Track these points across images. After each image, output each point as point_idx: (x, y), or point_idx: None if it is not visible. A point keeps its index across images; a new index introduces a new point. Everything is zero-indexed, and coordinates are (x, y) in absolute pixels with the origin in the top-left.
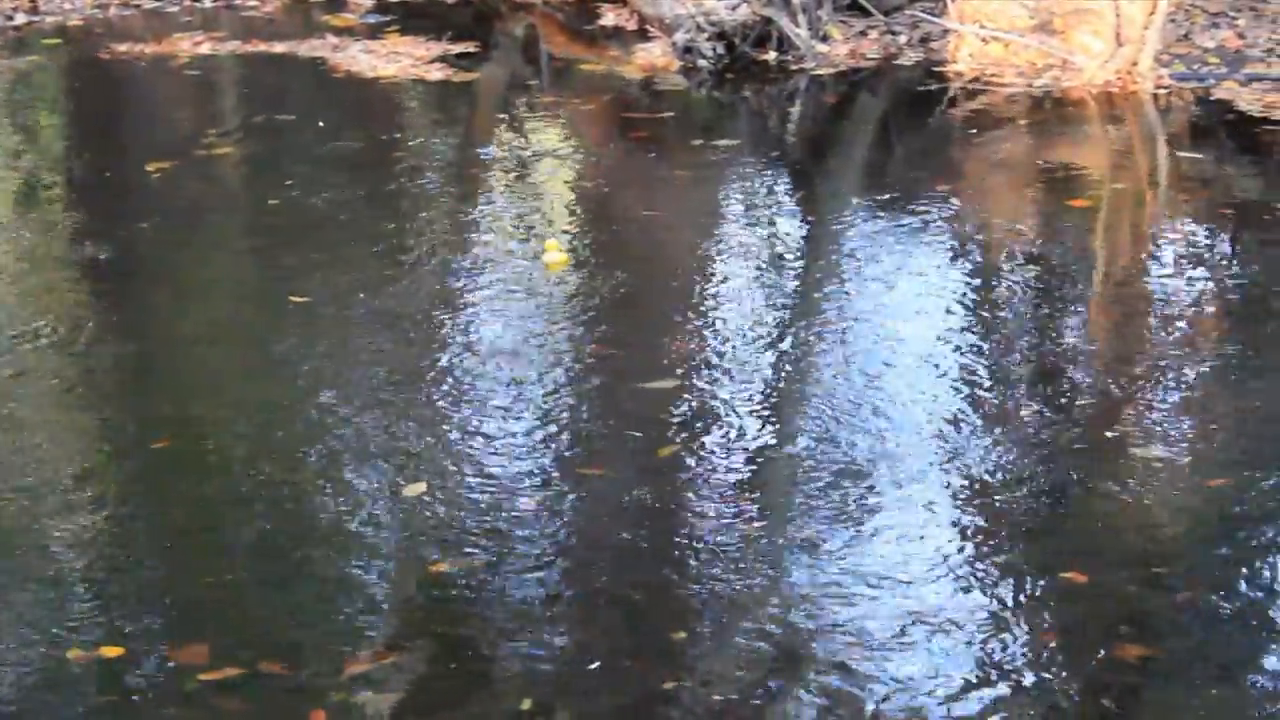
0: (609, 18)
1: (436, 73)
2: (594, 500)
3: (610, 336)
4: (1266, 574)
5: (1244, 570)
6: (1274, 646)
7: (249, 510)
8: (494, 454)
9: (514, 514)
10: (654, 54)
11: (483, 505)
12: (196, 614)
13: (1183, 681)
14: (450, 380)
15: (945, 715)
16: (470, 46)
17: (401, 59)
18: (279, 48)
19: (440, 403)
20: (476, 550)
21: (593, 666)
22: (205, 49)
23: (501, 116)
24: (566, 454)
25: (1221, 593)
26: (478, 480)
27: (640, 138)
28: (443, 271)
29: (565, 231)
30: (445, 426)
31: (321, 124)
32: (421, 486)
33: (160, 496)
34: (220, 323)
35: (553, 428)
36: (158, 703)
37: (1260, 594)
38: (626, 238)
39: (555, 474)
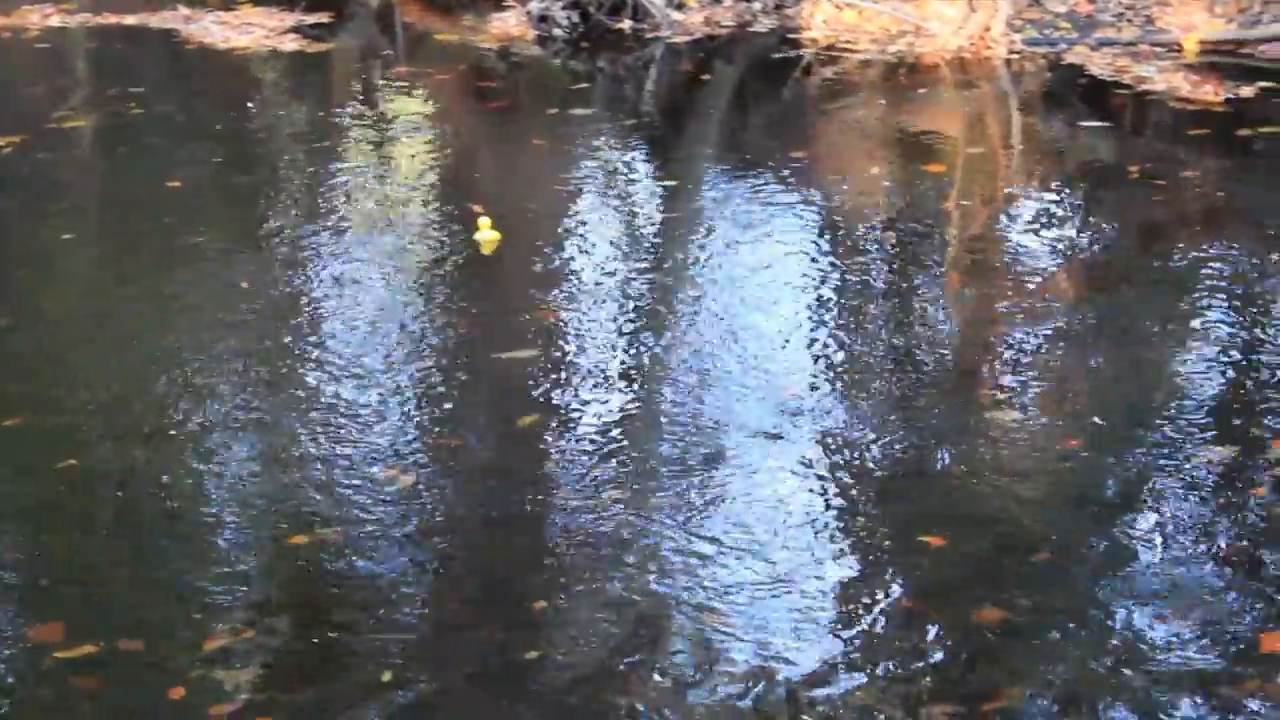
0: None
1: (290, 44)
2: (454, 470)
3: (469, 306)
4: (1120, 533)
5: (1098, 530)
6: (1128, 604)
7: (104, 487)
8: (352, 425)
9: (373, 485)
10: (509, 23)
11: (341, 477)
12: (52, 591)
13: (1040, 641)
14: (308, 352)
15: (805, 679)
16: (324, 17)
17: (255, 30)
18: (130, 20)
19: (298, 374)
20: (335, 523)
21: (453, 637)
22: (55, 21)
23: (357, 87)
24: (426, 424)
25: (1077, 553)
26: (336, 452)
27: (497, 107)
28: (300, 242)
29: (424, 202)
30: (303, 398)
31: (176, 96)
32: (279, 460)
33: (13, 473)
34: (73, 298)
35: (411, 398)
36: (13, 682)
37: (1114, 553)
38: (484, 207)
39: (415, 445)
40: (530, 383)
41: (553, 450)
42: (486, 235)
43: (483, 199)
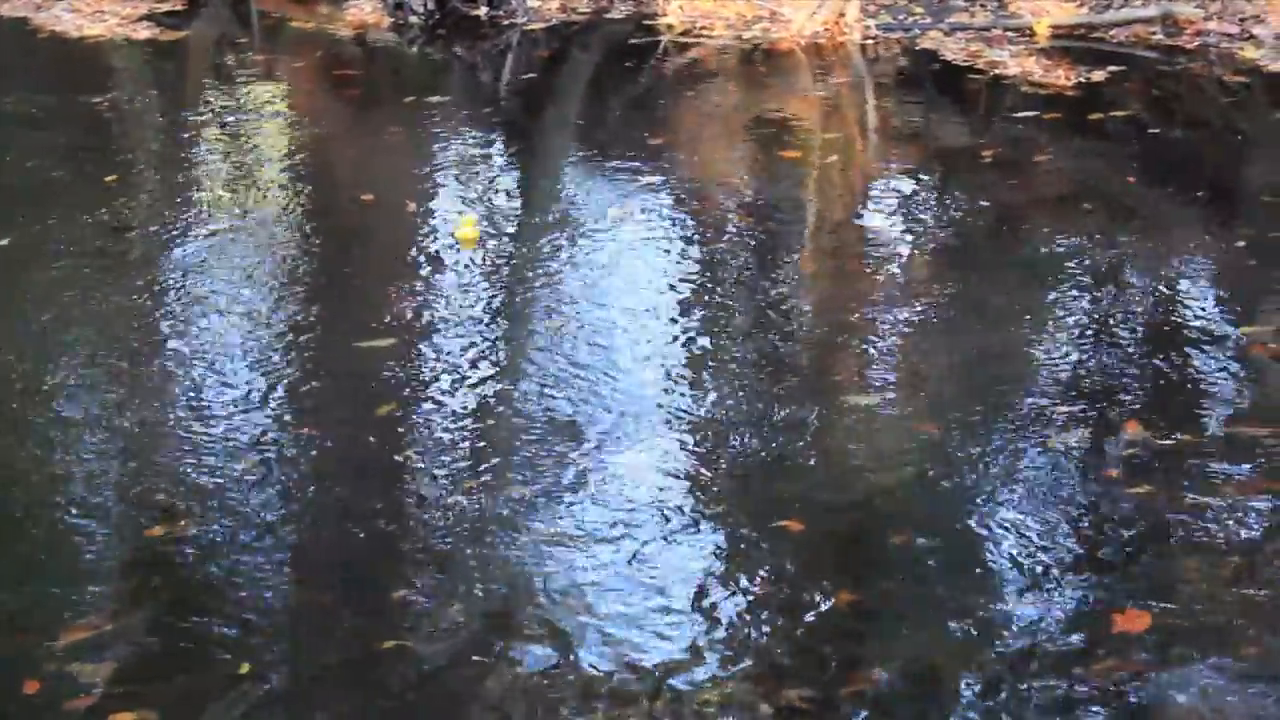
0: None
1: (144, 31)
2: (312, 460)
3: (326, 296)
4: (976, 516)
5: (954, 514)
6: (984, 586)
7: None
8: (209, 416)
9: (232, 476)
10: (365, 11)
11: (200, 468)
12: None
13: (896, 624)
14: (164, 343)
15: (662, 666)
16: (178, 4)
17: (107, 18)
18: None
19: (154, 366)
20: (193, 514)
21: (312, 627)
22: None
23: (211, 75)
24: (283, 414)
25: (933, 536)
26: (193, 443)
27: (353, 95)
28: (153, 232)
29: (282, 187)
30: (160, 390)
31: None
32: (137, 452)
33: None
34: None
35: (269, 388)
36: None
37: (970, 536)
38: (341, 196)
39: (273, 435)
40: (388, 372)
41: (411, 439)
42: (466, 232)
43: (341, 187)
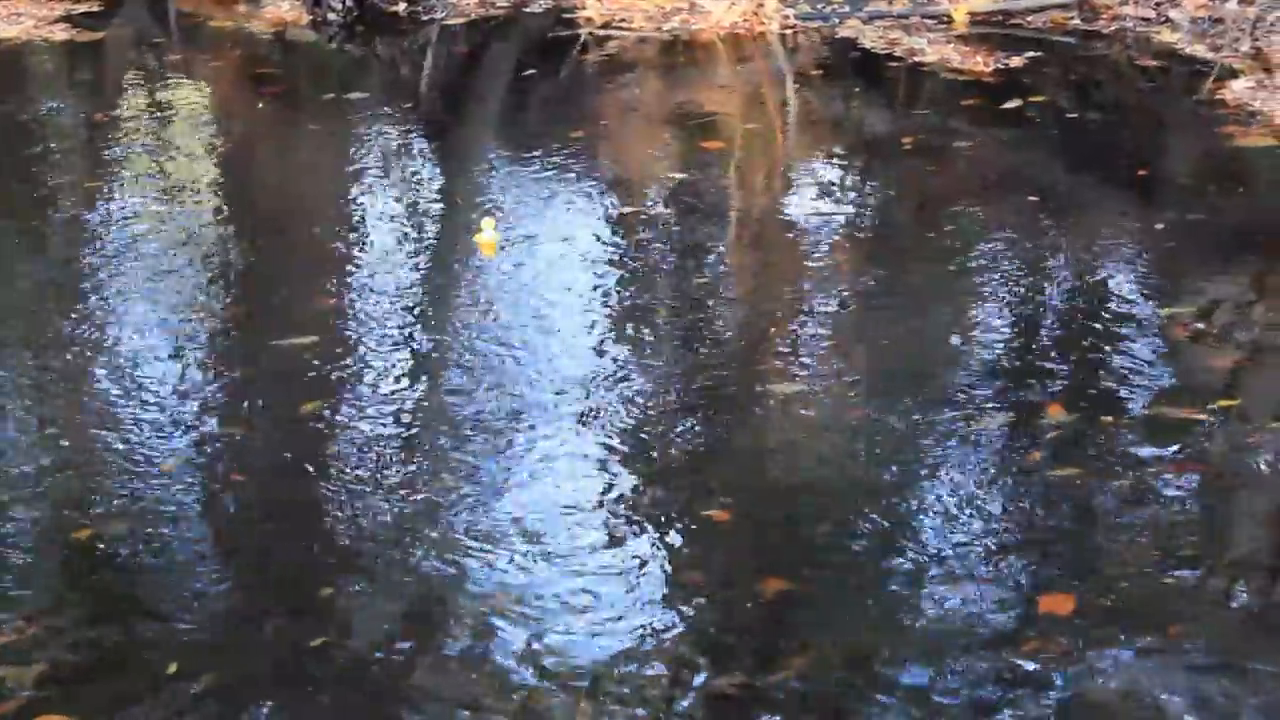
0: None
1: (61, 33)
2: (236, 459)
3: (247, 294)
4: (903, 501)
5: (881, 499)
6: (911, 570)
7: None
8: (133, 416)
9: (156, 476)
10: (283, 8)
11: (124, 469)
12: None
13: (824, 610)
14: (86, 343)
15: (595, 656)
16: (95, 5)
17: (24, 19)
18: None
19: (77, 365)
20: (118, 514)
21: (239, 626)
22: None
23: (130, 76)
24: (207, 414)
25: (860, 522)
26: (118, 443)
27: (273, 93)
28: (73, 235)
29: (202, 186)
30: (83, 389)
31: None
32: (60, 452)
33: None
34: None
35: (191, 388)
36: None
37: (897, 521)
38: (262, 193)
39: (196, 434)
40: (311, 369)
41: (336, 436)
42: (487, 236)
43: (261, 185)
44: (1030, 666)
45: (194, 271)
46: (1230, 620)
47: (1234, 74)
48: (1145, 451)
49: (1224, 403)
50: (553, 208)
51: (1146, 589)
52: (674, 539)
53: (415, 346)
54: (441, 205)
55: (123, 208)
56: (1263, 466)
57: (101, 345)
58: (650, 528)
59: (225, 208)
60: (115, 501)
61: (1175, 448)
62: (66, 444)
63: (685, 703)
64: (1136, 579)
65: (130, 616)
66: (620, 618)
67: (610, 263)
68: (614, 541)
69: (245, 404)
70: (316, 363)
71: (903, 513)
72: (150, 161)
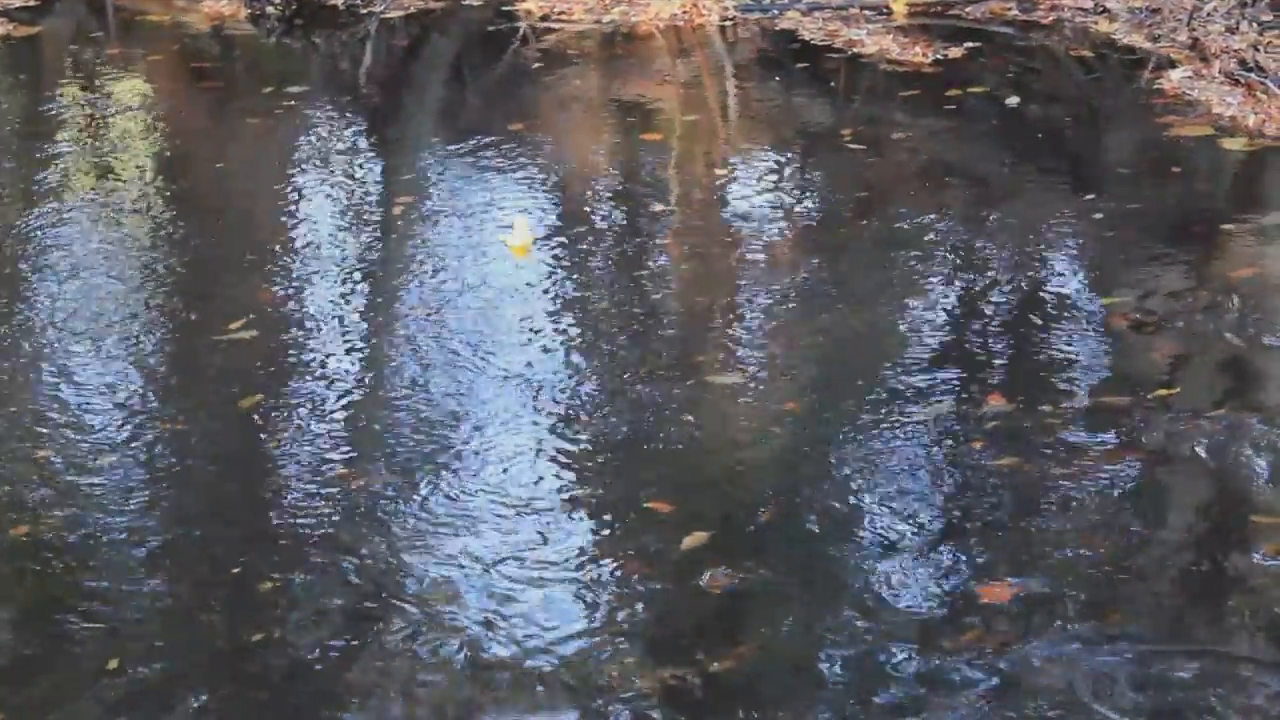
0: None
1: None
2: (177, 454)
3: (188, 288)
4: (842, 492)
5: (821, 490)
6: (851, 561)
7: None
8: (73, 411)
9: (95, 471)
10: (221, 2)
11: (63, 465)
12: None
13: (766, 601)
14: (25, 340)
15: (537, 649)
16: None
17: None
18: None
19: (15, 363)
20: (57, 511)
21: (179, 622)
22: None
23: (69, 71)
24: (147, 409)
25: (800, 513)
26: (57, 440)
27: (211, 87)
28: (8, 227)
29: (141, 181)
30: (21, 385)
31: None
32: None
33: None
34: None
35: (133, 382)
36: None
37: (836, 512)
38: (202, 188)
39: (137, 428)
40: (252, 363)
41: (277, 430)
42: (520, 239)
43: (201, 180)
44: (971, 655)
45: (133, 265)
46: (1169, 606)
47: (1172, 64)
48: (1084, 440)
49: (1162, 391)
50: (492, 200)
51: (1086, 577)
52: (616, 530)
53: (356, 339)
54: (380, 197)
55: (59, 203)
56: (1201, 454)
57: (38, 342)
58: (592, 519)
59: (164, 202)
60: (53, 497)
61: (1114, 436)
62: (3, 440)
63: (628, 694)
64: (1076, 567)
65: (69, 612)
66: (562, 610)
67: (550, 254)
68: (556, 533)
69: (185, 398)
70: (257, 356)
71: (843, 503)
72: (88, 156)
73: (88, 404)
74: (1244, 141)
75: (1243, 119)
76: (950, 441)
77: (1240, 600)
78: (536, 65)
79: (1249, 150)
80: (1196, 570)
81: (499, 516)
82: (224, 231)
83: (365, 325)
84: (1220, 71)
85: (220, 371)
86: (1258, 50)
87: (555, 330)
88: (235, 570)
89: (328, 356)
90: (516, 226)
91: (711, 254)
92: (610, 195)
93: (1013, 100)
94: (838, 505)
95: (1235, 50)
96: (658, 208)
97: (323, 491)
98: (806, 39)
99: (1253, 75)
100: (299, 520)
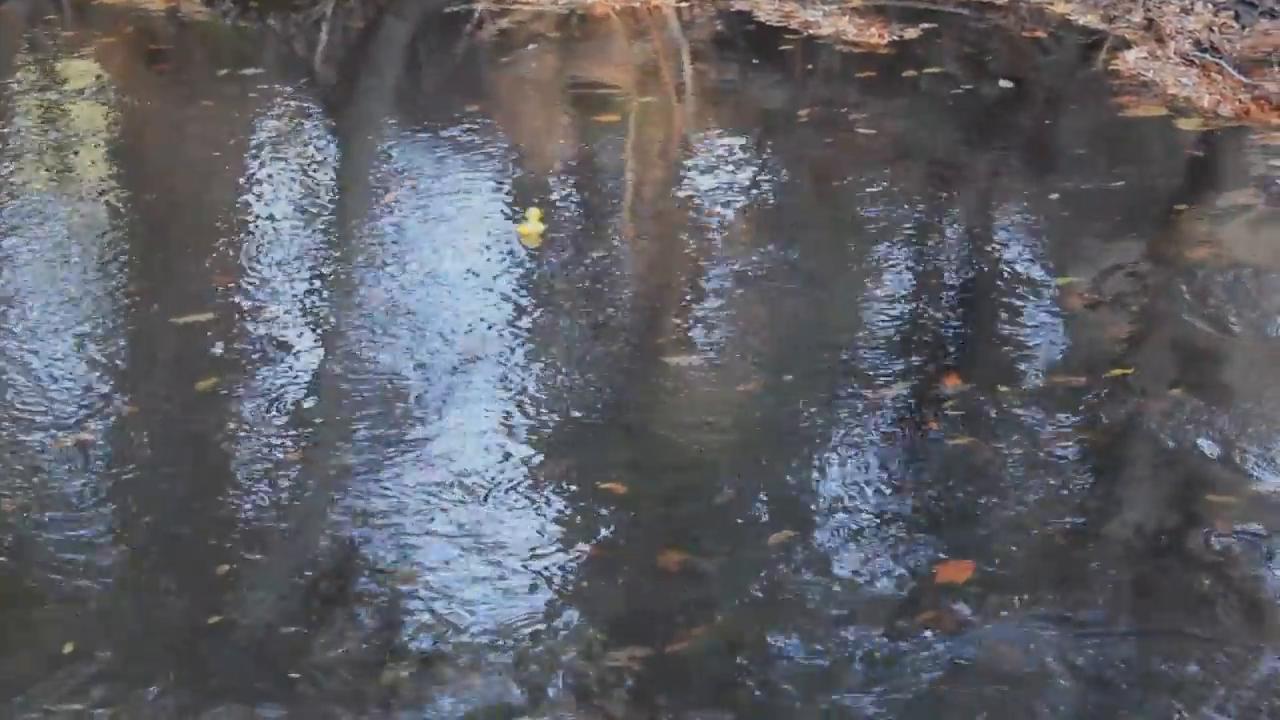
0: None
1: None
2: (132, 437)
3: (143, 271)
4: (798, 474)
5: (777, 471)
6: (808, 541)
7: None
8: (27, 393)
9: (50, 455)
10: None
11: (18, 446)
12: None
13: (721, 582)
14: None
15: (493, 628)
16: None
17: None
18: None
19: None
20: (12, 493)
21: (135, 605)
22: None
23: (22, 53)
24: (102, 392)
25: (756, 495)
26: (10, 421)
27: (166, 69)
28: None
29: (96, 164)
30: None
31: None
32: None
33: None
34: None
35: (88, 365)
36: None
37: (793, 494)
38: (158, 170)
39: (92, 413)
40: (208, 346)
41: (233, 412)
42: (532, 227)
43: (156, 162)
44: (926, 634)
45: (88, 249)
46: (1125, 586)
47: (1127, 45)
48: (1041, 420)
49: (1118, 371)
50: (449, 182)
51: (1043, 556)
52: (572, 512)
53: (313, 322)
54: (337, 180)
55: (14, 186)
56: (1156, 433)
57: None
58: (548, 500)
59: (119, 185)
60: (9, 480)
61: (1070, 416)
62: None
63: (585, 675)
64: (1033, 547)
65: (25, 597)
66: (519, 591)
67: (507, 235)
68: (511, 515)
69: (142, 382)
70: (213, 339)
71: (800, 484)
72: (43, 139)
73: (42, 388)
74: (1199, 122)
75: (1198, 100)
76: (907, 422)
77: (1195, 578)
78: (493, 47)
79: (1204, 131)
80: (1152, 549)
81: (456, 499)
82: (179, 214)
83: (322, 308)
84: (1175, 52)
85: (177, 355)
86: (1212, 31)
87: (513, 312)
88: (192, 553)
89: (285, 340)
90: (530, 216)
91: (668, 236)
92: (567, 177)
93: (1006, 83)
94: (795, 486)
95: (1190, 31)
96: (615, 189)
97: (280, 473)
98: (762, 20)
99: (1207, 56)
100: (256, 502)
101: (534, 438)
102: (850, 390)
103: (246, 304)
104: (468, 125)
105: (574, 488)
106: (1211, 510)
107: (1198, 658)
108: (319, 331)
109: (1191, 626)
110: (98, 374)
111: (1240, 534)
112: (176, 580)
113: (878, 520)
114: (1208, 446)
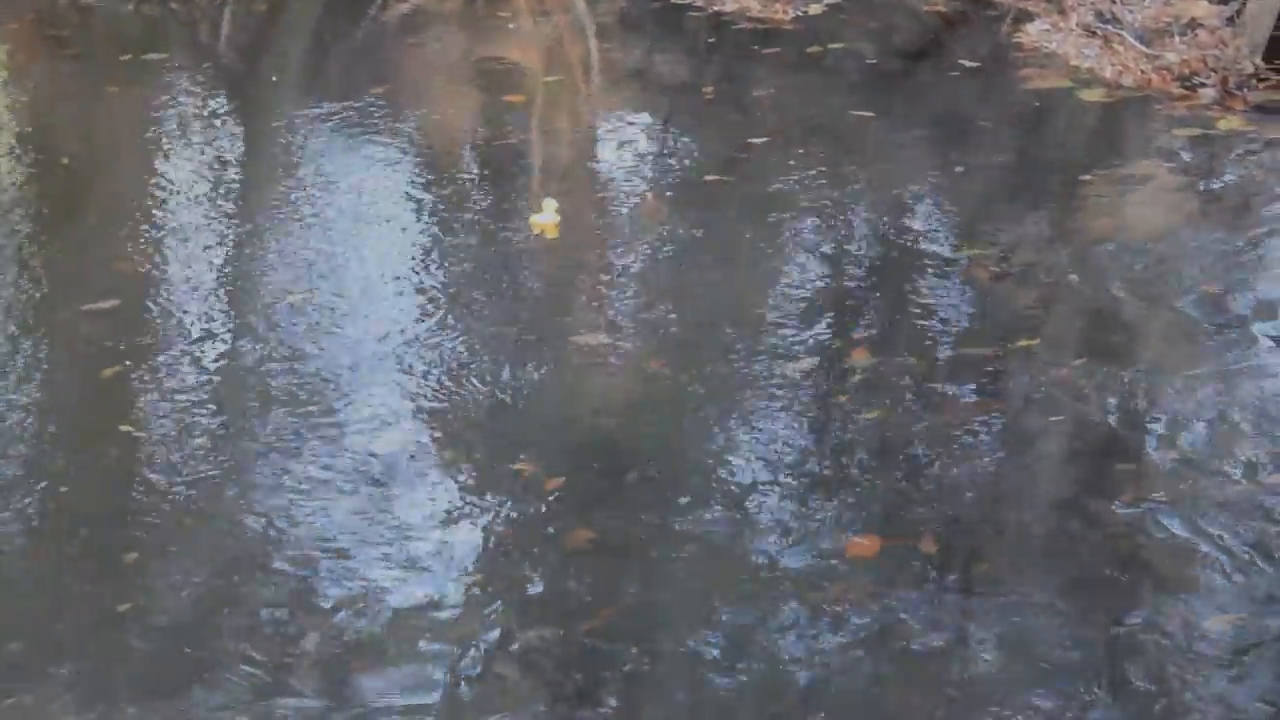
0: None
1: None
2: (37, 426)
3: (47, 259)
4: (708, 450)
5: (688, 448)
6: (717, 518)
7: None
8: None
9: None
10: None
11: None
12: None
13: (632, 560)
14: None
15: (404, 608)
16: None
17: None
18: None
19: None
20: None
21: (44, 594)
22: None
23: None
24: (4, 381)
25: (666, 472)
26: None
27: (69, 55)
28: None
29: (2, 152)
30: None
31: None
32: None
33: None
34: None
35: None
36: None
37: (702, 470)
38: (61, 157)
39: None
40: (113, 333)
41: (139, 399)
42: (546, 219)
43: (59, 149)
44: (837, 609)
45: None
46: (1035, 557)
47: (1030, 17)
48: (949, 391)
49: (1024, 341)
50: (356, 164)
51: (951, 529)
52: (482, 492)
53: (220, 308)
54: (243, 164)
55: None
56: (1063, 402)
57: None
58: (458, 482)
59: (22, 171)
60: None
61: (977, 387)
62: None
63: (494, 656)
64: (942, 519)
65: None
66: (430, 572)
67: (416, 217)
68: (424, 494)
69: (46, 371)
70: (118, 327)
71: (710, 460)
72: None
73: None
74: (1102, 93)
75: (1100, 70)
76: (817, 396)
77: (1101, 546)
78: (398, 28)
79: (1107, 101)
80: (1060, 519)
81: (364, 482)
82: (83, 201)
83: (229, 293)
84: (1077, 24)
85: (81, 342)
86: (1114, 2)
87: (421, 295)
88: (100, 540)
89: (190, 326)
90: (546, 207)
91: (577, 214)
92: (474, 157)
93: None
94: (706, 463)
95: (1092, 2)
96: (522, 168)
97: (187, 460)
98: None
99: (1109, 27)
100: (163, 489)
101: (442, 419)
102: (759, 366)
103: (152, 291)
104: (374, 107)
105: (482, 468)
106: (1118, 479)
107: (1107, 624)
108: (225, 317)
109: (1099, 593)
110: (0, 363)
111: (1145, 501)
112: (84, 568)
113: (787, 495)
114: (1113, 415)
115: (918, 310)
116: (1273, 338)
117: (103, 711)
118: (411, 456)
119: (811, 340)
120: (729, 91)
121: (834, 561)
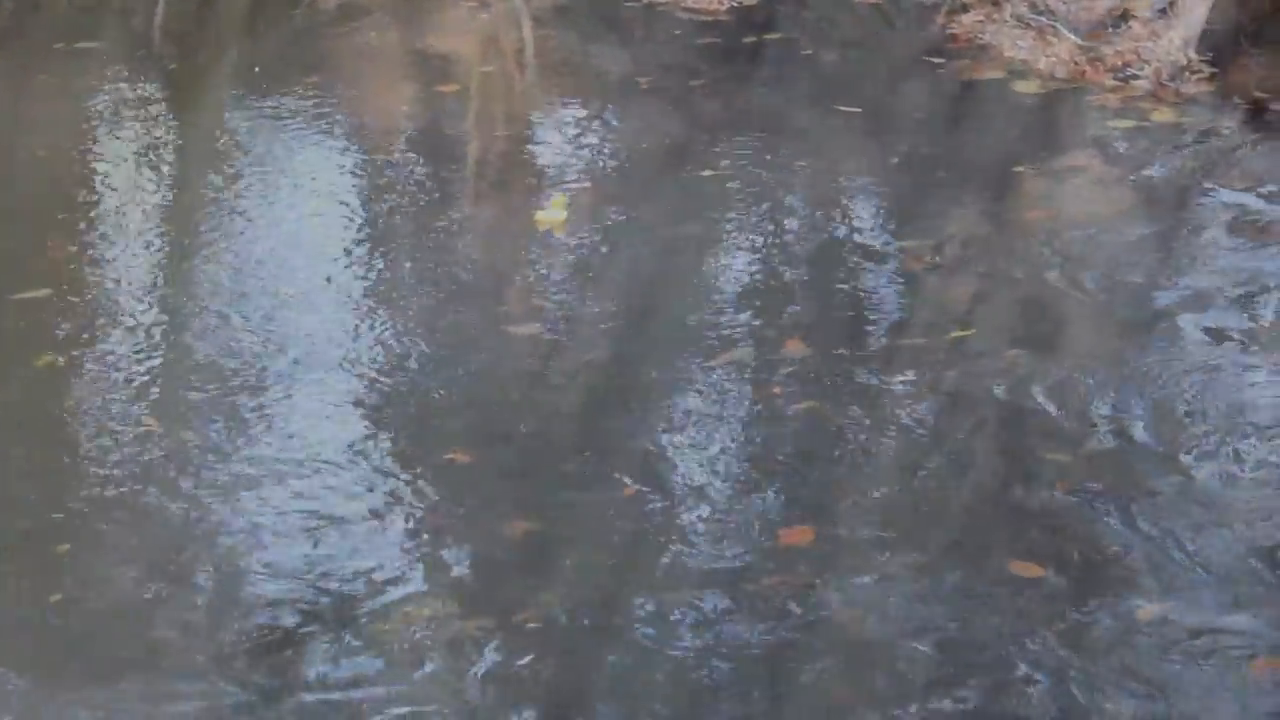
0: None
1: None
2: None
3: None
4: (644, 440)
5: (622, 438)
6: (654, 507)
7: None
8: None
9: None
10: None
11: None
12: None
13: (567, 550)
14: None
15: (338, 600)
16: None
17: None
18: None
19: None
20: None
21: None
22: None
23: None
24: None
25: (602, 461)
26: None
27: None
28: None
29: None
30: None
31: None
32: None
33: None
34: None
35: None
36: None
37: (639, 459)
38: None
39: None
40: (46, 322)
41: (73, 389)
42: (553, 214)
43: None
44: (772, 599)
45: None
46: (968, 544)
47: (964, 8)
48: (882, 382)
49: (958, 333)
50: (291, 154)
51: (885, 519)
52: (418, 483)
53: (154, 297)
54: (176, 153)
55: None
56: (997, 393)
57: None
58: (393, 473)
59: None
60: None
61: (911, 378)
62: None
63: (431, 646)
64: (876, 509)
65: None
66: (366, 563)
67: (350, 208)
68: (357, 488)
69: None
70: (52, 316)
71: (644, 450)
72: None
73: None
74: (1036, 84)
75: (1034, 62)
76: (750, 387)
77: (1035, 536)
78: (332, 17)
79: (1041, 93)
80: (994, 508)
81: (300, 472)
82: (15, 191)
83: (164, 282)
84: (1011, 15)
85: (13, 331)
86: None
87: (355, 286)
88: (31, 530)
89: (125, 314)
90: (555, 203)
91: (511, 206)
92: (408, 148)
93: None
94: (640, 453)
95: None
96: (457, 158)
97: (121, 450)
98: None
99: (1043, 19)
100: (96, 480)
101: (378, 409)
102: (693, 356)
103: (85, 279)
104: (307, 95)
105: (418, 458)
106: (1051, 468)
107: (1041, 616)
108: (159, 307)
109: (1032, 584)
110: None
111: (1078, 491)
112: (14, 558)
113: (722, 485)
114: (1046, 405)
115: (852, 301)
116: (1203, 329)
117: (35, 700)
118: (345, 446)
119: (745, 331)
120: (664, 82)
121: (768, 551)
